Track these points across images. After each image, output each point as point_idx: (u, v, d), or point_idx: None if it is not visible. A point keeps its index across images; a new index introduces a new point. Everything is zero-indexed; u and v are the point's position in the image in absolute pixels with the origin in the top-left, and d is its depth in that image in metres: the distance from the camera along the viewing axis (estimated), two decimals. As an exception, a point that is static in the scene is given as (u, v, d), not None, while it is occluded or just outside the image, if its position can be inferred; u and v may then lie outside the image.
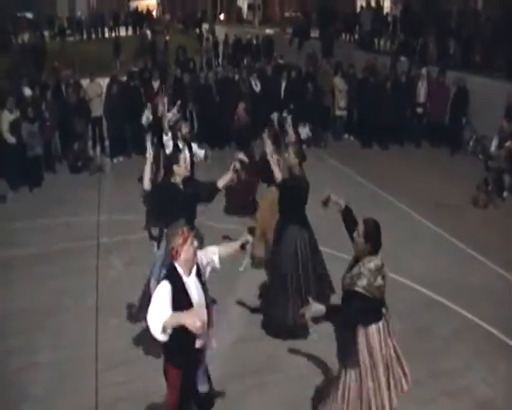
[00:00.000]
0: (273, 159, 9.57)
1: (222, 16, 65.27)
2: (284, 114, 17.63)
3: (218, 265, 7.08)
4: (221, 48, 38.14)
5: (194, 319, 5.76)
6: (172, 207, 8.73)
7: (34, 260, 12.65)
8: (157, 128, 14.43)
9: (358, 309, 6.66)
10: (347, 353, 6.96)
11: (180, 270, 6.40)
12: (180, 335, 6.09)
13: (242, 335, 9.80)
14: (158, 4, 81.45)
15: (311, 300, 6.76)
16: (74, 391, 8.59)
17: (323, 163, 18.69)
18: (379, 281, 6.66)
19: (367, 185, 16.90)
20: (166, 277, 6.37)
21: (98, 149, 20.37)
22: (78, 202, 15.87)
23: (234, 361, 9.03)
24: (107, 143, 20.30)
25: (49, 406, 8.39)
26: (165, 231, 8.76)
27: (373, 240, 6.72)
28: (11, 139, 16.39)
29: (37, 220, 14.64)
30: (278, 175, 9.35)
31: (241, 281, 11.54)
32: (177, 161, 9.24)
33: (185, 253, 6.39)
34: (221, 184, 9.24)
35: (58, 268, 12.27)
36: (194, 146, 12.64)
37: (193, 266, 6.54)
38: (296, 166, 9.41)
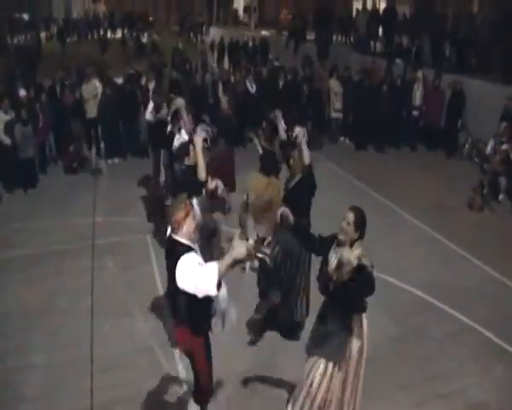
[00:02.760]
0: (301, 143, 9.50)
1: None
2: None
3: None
4: (216, 50, 38.18)
5: (243, 249, 5.67)
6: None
7: (29, 261, 12.63)
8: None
9: (371, 284, 6.65)
10: (339, 347, 6.97)
11: (185, 241, 6.42)
12: (202, 303, 6.19)
13: (241, 336, 9.78)
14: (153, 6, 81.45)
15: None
16: (69, 393, 8.57)
17: (319, 165, 18.60)
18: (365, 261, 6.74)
19: (362, 188, 16.90)
20: (182, 252, 6.26)
21: (93, 150, 20.34)
22: (74, 203, 15.85)
23: (233, 362, 9.01)
24: (102, 144, 20.26)
25: (44, 407, 8.36)
26: None
27: (362, 228, 6.82)
28: (6, 140, 16.34)
29: (32, 222, 14.61)
30: (307, 160, 9.28)
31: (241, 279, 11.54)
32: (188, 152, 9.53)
33: (187, 226, 6.45)
34: (203, 173, 9.32)
35: (53, 269, 12.27)
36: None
37: (194, 243, 6.56)
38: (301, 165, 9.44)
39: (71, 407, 8.33)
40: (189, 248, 6.38)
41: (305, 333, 9.65)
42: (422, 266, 12.21)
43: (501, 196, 16.06)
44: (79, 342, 9.78)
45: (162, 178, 13.80)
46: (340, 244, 6.86)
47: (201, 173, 9.20)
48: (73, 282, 11.71)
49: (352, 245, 6.76)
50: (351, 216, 6.76)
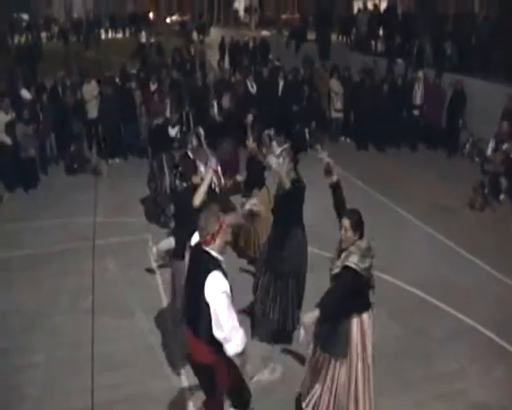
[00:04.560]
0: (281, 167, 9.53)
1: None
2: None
3: None
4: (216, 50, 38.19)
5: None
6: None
7: (30, 261, 12.64)
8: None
9: (352, 284, 6.75)
10: (339, 343, 6.98)
11: (215, 253, 6.26)
12: None
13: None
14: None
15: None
16: (70, 392, 8.57)
17: (319, 165, 18.65)
18: (367, 262, 6.77)
19: (363, 187, 16.89)
20: (213, 267, 6.16)
21: (94, 150, 20.34)
22: (75, 203, 15.84)
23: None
24: (103, 144, 20.26)
25: (45, 406, 8.37)
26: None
27: (360, 228, 6.91)
28: (7, 140, 16.34)
29: (33, 222, 14.62)
30: (286, 181, 9.31)
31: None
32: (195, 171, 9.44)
33: (220, 239, 6.28)
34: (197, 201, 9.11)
35: (54, 269, 12.28)
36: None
37: (223, 255, 6.41)
38: (291, 170, 9.44)
39: (71, 406, 8.33)
40: (218, 264, 6.23)
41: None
42: (423, 266, 12.19)
43: (502, 196, 16.04)
44: (80, 342, 9.78)
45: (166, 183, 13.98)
46: (342, 250, 6.96)
47: (196, 200, 8.99)
48: (74, 282, 11.72)
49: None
50: (346, 222, 6.86)
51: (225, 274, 6.17)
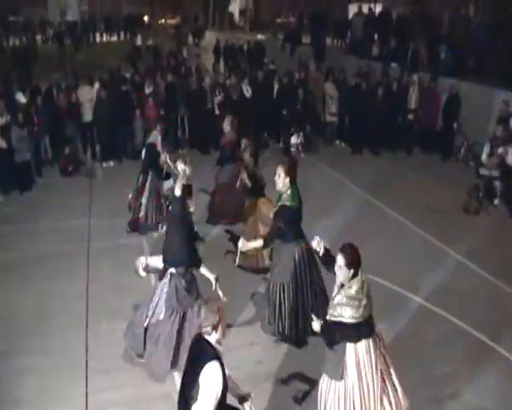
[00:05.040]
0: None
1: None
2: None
3: None
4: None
5: None
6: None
7: (24, 263, 12.63)
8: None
9: (346, 335, 6.85)
10: (334, 366, 7.01)
11: (214, 345, 6.19)
12: None
13: (233, 341, 9.77)
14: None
15: (314, 317, 6.86)
16: (64, 396, 8.56)
17: (314, 169, 18.70)
18: (363, 302, 6.79)
19: (358, 192, 16.91)
20: (214, 358, 6.07)
21: (89, 153, 20.35)
22: (69, 206, 15.83)
23: (237, 362, 9.02)
24: (97, 147, 20.26)
25: (39, 410, 8.36)
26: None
27: (355, 264, 6.81)
28: (2, 143, 16.32)
29: (28, 224, 14.61)
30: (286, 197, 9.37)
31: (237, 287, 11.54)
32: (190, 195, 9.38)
33: (220, 332, 6.22)
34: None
35: (48, 272, 12.26)
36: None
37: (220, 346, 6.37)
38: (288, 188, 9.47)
39: (65, 410, 8.33)
40: (217, 355, 6.12)
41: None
42: (417, 270, 12.21)
43: (496, 200, 16.08)
44: (74, 345, 9.78)
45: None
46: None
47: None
48: (69, 284, 11.70)
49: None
50: (340, 259, 6.80)
51: (222, 365, 6.16)
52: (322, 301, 9.55)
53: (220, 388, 5.96)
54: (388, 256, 12.42)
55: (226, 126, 15.21)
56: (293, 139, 19.82)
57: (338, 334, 6.85)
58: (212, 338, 6.17)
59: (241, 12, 60.31)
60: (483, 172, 16.32)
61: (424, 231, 14.28)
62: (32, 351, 9.65)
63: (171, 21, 70.55)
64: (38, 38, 55.75)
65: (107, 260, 12.85)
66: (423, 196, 16.44)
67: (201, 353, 6.16)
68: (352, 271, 6.77)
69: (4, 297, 11.32)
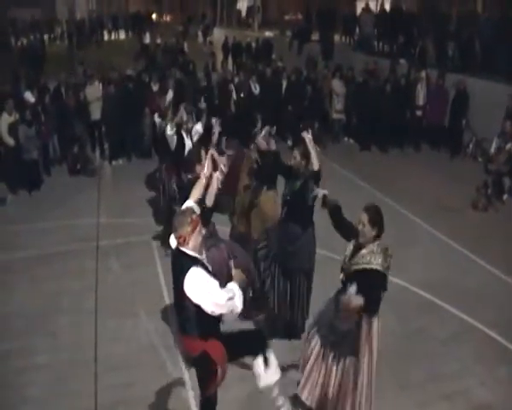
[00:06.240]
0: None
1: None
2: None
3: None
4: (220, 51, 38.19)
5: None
6: None
7: (33, 262, 12.65)
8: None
9: (382, 287, 6.84)
10: (348, 343, 7.02)
11: (191, 253, 6.30)
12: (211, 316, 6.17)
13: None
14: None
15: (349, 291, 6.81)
16: (73, 394, 8.57)
17: (322, 166, 18.66)
18: (388, 261, 6.88)
19: (366, 188, 16.89)
20: (190, 264, 6.20)
21: (97, 152, 20.37)
22: (78, 204, 15.85)
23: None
24: (106, 145, 20.29)
25: (48, 408, 8.37)
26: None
27: (379, 224, 6.93)
28: (10, 142, 16.35)
29: (37, 223, 14.63)
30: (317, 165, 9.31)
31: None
32: (199, 160, 9.30)
33: (194, 241, 6.33)
34: (210, 202, 9.10)
35: (57, 270, 12.29)
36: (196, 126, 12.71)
37: (201, 254, 6.46)
38: (303, 167, 9.46)
39: (74, 407, 8.33)
40: (196, 260, 6.30)
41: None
42: (426, 266, 12.21)
43: (505, 196, 16.04)
44: (83, 343, 9.79)
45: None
46: (361, 245, 6.99)
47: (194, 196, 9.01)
48: (77, 283, 11.73)
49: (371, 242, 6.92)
50: (364, 216, 6.88)
51: (207, 269, 6.27)
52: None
53: (209, 279, 6.09)
54: (397, 252, 12.24)
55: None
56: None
57: (375, 288, 6.80)
58: (187, 249, 6.27)
59: (249, 9, 60.19)
60: (491, 168, 16.29)
61: (432, 227, 14.26)
62: (40, 349, 9.67)
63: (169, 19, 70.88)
64: (46, 36, 55.73)
65: (116, 258, 12.87)
66: (431, 193, 16.42)
67: (180, 265, 6.32)
68: (375, 230, 6.86)
69: (13, 296, 11.35)
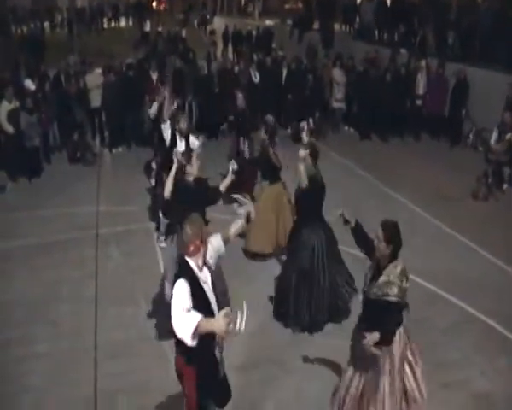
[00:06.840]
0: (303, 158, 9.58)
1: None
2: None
3: (223, 250, 6.94)
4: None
5: (224, 326, 5.59)
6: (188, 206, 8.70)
7: (33, 250, 12.67)
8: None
9: (399, 320, 6.80)
10: (366, 358, 6.99)
11: (193, 265, 6.23)
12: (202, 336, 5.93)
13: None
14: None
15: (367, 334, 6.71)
16: (73, 382, 8.61)
17: (322, 155, 18.52)
18: (405, 284, 6.76)
19: (366, 177, 16.89)
20: (182, 274, 6.15)
21: (97, 139, 20.33)
22: (78, 192, 15.85)
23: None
24: (106, 133, 20.25)
25: (48, 396, 8.40)
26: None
27: (395, 242, 6.71)
28: (9, 129, 16.33)
29: (36, 211, 14.63)
30: (304, 178, 9.35)
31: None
32: (189, 161, 9.27)
33: (199, 254, 6.25)
34: (223, 187, 9.32)
35: (57, 259, 12.31)
36: (191, 138, 12.58)
37: (204, 261, 6.41)
38: (311, 164, 9.49)
39: (74, 395, 8.36)
40: (188, 273, 6.17)
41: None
42: (426, 256, 12.19)
43: (505, 186, 16.04)
44: (83, 331, 9.82)
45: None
46: (379, 265, 6.89)
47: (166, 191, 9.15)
48: (77, 271, 11.75)
49: (387, 264, 6.78)
50: (380, 233, 6.66)
51: (197, 287, 6.15)
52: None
53: (185, 303, 5.94)
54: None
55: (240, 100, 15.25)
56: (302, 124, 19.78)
57: (391, 322, 6.77)
58: (194, 260, 6.24)
59: (250, -2, 60.09)
60: (491, 157, 16.26)
61: (433, 217, 14.25)
62: (40, 337, 9.71)
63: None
64: (46, 24, 55.62)
65: (116, 246, 12.88)
66: (431, 182, 16.41)
67: (177, 270, 6.36)
68: (389, 248, 6.67)
69: (13, 284, 11.38)
